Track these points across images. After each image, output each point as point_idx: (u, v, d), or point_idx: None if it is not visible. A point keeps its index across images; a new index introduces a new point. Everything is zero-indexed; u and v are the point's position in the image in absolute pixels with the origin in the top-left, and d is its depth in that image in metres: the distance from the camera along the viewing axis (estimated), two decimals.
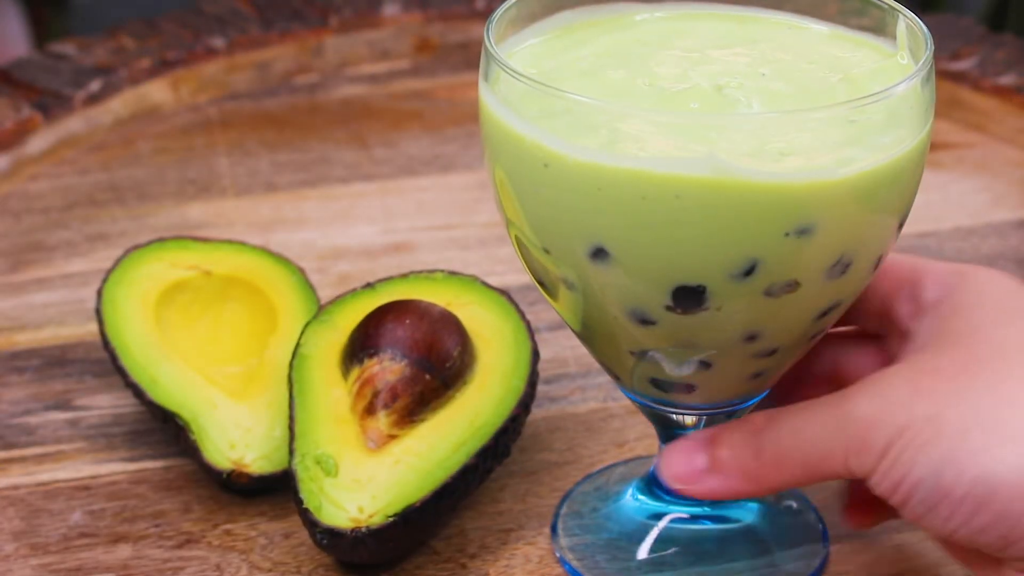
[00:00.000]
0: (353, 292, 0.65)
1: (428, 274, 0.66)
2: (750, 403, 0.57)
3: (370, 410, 0.60)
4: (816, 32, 0.55)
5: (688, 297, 0.50)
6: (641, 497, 0.61)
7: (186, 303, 0.68)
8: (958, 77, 0.94)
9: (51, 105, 0.92)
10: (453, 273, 0.66)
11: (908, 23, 0.53)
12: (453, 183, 0.88)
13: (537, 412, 0.68)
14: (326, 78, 1.01)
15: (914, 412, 0.50)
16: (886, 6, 0.54)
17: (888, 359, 0.56)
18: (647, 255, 0.49)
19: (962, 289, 0.54)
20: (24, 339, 0.74)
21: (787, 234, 0.48)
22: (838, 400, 0.52)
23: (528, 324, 0.63)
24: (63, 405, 0.69)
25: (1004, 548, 0.50)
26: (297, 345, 0.63)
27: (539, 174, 0.49)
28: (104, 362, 0.71)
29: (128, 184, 0.88)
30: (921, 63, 0.50)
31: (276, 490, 0.63)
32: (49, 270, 0.80)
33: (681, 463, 0.55)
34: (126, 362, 0.65)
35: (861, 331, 0.58)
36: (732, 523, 0.61)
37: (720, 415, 0.56)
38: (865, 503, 0.57)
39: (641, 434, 0.67)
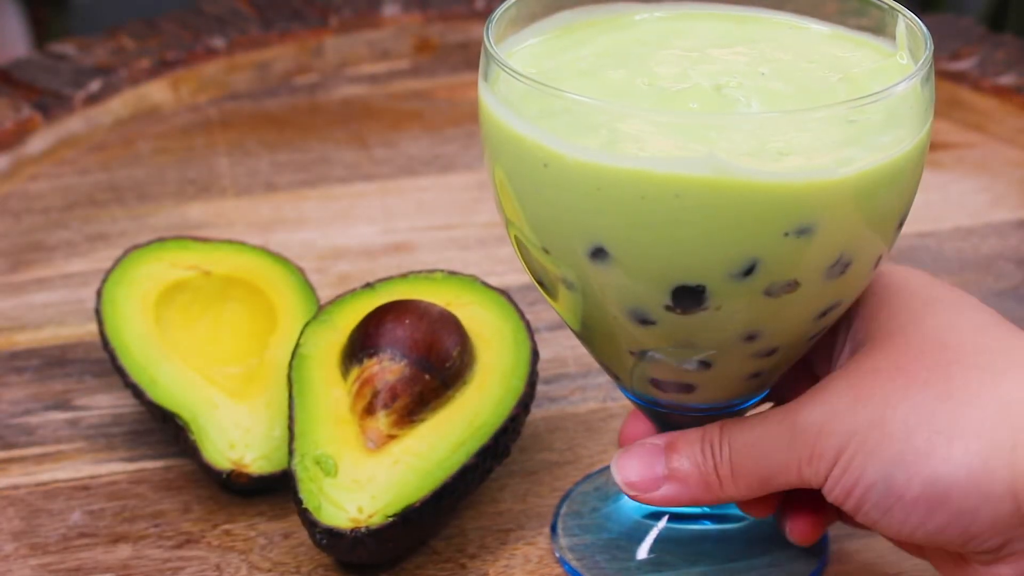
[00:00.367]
0: (353, 292, 0.65)
1: (428, 274, 0.66)
2: (750, 403, 0.57)
3: (370, 410, 0.60)
4: (816, 32, 0.55)
5: (688, 297, 0.50)
6: None
7: (186, 303, 0.68)
8: (958, 77, 0.94)
9: (51, 105, 0.92)
10: (453, 273, 0.66)
11: (908, 23, 0.53)
12: (453, 183, 0.88)
13: (537, 412, 0.68)
14: (326, 78, 1.01)
15: (858, 418, 0.50)
16: (886, 6, 0.54)
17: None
18: (647, 255, 0.49)
19: (882, 287, 0.54)
20: (24, 339, 0.74)
21: (787, 234, 0.48)
22: (788, 411, 0.52)
23: (528, 324, 0.63)
24: (63, 405, 0.69)
25: (965, 543, 0.50)
26: (297, 345, 0.63)
27: (539, 174, 0.49)
28: (104, 362, 0.71)
29: (128, 184, 0.88)
30: (921, 63, 0.50)
31: (276, 490, 0.63)
32: (49, 270, 0.80)
33: (637, 470, 0.54)
34: (126, 362, 0.65)
35: None
36: (732, 523, 0.60)
37: (720, 415, 0.56)
38: (806, 512, 0.56)
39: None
